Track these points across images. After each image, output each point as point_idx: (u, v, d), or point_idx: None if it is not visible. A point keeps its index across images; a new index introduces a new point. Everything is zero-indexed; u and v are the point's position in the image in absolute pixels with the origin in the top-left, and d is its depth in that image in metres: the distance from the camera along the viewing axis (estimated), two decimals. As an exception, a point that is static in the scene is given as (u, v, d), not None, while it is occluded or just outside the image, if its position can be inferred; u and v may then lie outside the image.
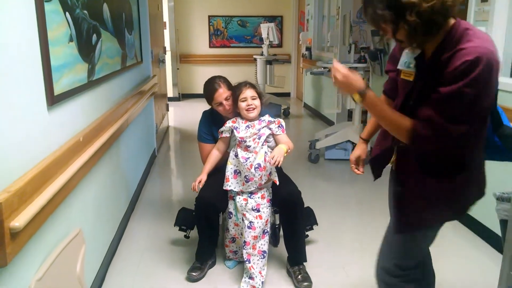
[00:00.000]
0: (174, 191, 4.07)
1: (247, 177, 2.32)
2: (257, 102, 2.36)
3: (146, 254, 2.77)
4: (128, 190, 3.26)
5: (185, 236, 2.70)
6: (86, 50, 2.18)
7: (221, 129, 2.47)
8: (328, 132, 5.04)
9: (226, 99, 2.46)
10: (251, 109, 2.33)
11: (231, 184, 2.37)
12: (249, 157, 2.31)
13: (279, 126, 2.37)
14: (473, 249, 2.84)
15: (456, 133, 1.30)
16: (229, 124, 2.41)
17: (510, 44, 2.78)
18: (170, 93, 8.38)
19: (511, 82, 2.67)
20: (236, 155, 2.35)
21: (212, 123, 2.59)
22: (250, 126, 2.35)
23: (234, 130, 2.36)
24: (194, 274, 2.46)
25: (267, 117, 2.40)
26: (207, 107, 2.66)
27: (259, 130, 2.34)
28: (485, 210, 2.91)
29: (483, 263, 2.66)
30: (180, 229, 2.69)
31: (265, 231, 2.38)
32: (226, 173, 2.38)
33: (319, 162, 4.75)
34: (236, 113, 2.44)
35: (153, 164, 4.64)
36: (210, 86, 2.49)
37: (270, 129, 2.37)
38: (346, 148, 4.73)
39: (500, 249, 2.74)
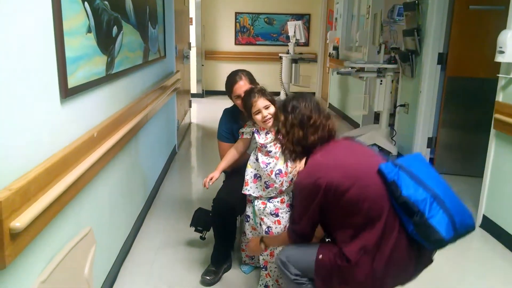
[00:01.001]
0: (193, 189, 3.99)
1: (267, 183, 2.21)
2: (272, 109, 2.18)
3: (160, 254, 2.69)
4: (145, 187, 3.19)
5: (201, 237, 2.61)
6: (106, 42, 2.11)
7: (242, 129, 2.36)
8: (354, 134, 4.88)
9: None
10: (268, 119, 2.18)
11: (250, 188, 2.26)
12: (269, 163, 2.19)
13: None
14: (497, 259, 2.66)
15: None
16: (250, 127, 2.31)
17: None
18: (193, 90, 8.33)
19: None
20: (257, 159, 2.24)
21: (233, 122, 2.49)
22: (269, 131, 2.22)
23: (256, 134, 2.24)
24: (208, 278, 2.37)
25: None
26: (230, 104, 2.56)
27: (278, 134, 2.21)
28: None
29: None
30: (196, 230, 2.61)
31: None
32: (246, 177, 2.27)
33: (343, 165, 4.60)
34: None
35: (173, 160, 4.57)
36: (232, 77, 2.41)
37: None
38: (371, 152, 4.56)
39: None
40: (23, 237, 1.20)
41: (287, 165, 2.16)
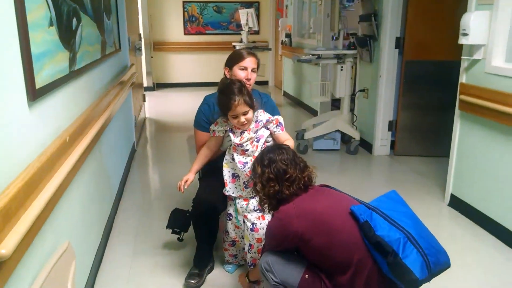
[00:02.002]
0: (160, 188, 3.82)
1: (246, 183, 2.11)
2: (250, 114, 2.06)
3: (135, 260, 2.54)
4: (111, 191, 3.00)
5: (178, 239, 2.48)
6: (67, 36, 1.91)
7: (213, 127, 2.20)
8: (315, 122, 4.88)
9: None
10: (244, 125, 2.07)
11: (229, 189, 2.16)
12: (247, 162, 2.08)
13: (277, 125, 2.15)
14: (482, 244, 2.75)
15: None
16: (222, 126, 2.16)
17: (515, 29, 2.67)
18: (144, 83, 8.03)
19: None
20: (233, 159, 2.13)
21: (214, 112, 2.31)
22: (244, 131, 2.11)
23: (230, 133, 2.10)
24: (193, 282, 2.26)
25: (263, 117, 2.14)
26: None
27: (256, 132, 2.11)
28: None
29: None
30: (173, 232, 2.47)
31: None
32: (224, 177, 2.16)
33: (308, 152, 4.60)
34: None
35: (133, 159, 4.36)
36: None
37: (268, 129, 2.15)
38: (335, 138, 4.59)
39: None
40: (8, 265, 1.04)
41: None
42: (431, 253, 1.53)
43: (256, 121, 2.12)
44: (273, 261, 1.77)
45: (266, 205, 1.80)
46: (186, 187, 2.18)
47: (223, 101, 2.06)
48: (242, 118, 2.03)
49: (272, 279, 1.74)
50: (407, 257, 1.48)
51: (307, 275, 1.70)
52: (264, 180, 1.72)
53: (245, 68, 2.26)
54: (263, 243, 2.15)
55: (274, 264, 1.76)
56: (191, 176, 2.21)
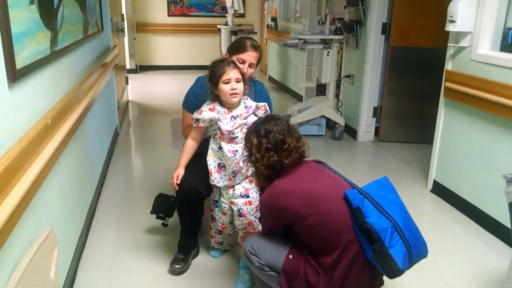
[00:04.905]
0: (142, 172, 3.77)
1: (235, 171, 2.09)
2: (241, 86, 2.04)
3: (119, 245, 2.51)
4: (93, 175, 2.95)
5: (163, 224, 2.46)
6: (48, 15, 1.84)
7: (198, 116, 2.07)
8: (300, 107, 4.87)
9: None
10: (235, 94, 2.03)
11: (214, 179, 2.12)
12: (236, 150, 2.05)
13: (265, 112, 2.12)
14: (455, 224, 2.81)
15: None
16: (207, 114, 2.06)
17: (501, 17, 2.68)
18: (127, 65, 7.87)
19: (502, 56, 2.59)
20: (220, 148, 2.09)
21: (205, 94, 2.25)
22: (235, 116, 2.06)
23: (219, 122, 2.04)
24: (177, 266, 2.25)
25: (252, 103, 2.13)
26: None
27: (246, 119, 2.07)
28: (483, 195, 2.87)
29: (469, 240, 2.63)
30: (158, 217, 2.45)
31: (256, 217, 2.17)
32: (209, 167, 2.12)
33: (292, 138, 4.59)
34: (216, 95, 2.10)
35: (116, 143, 4.29)
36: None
37: (256, 115, 2.12)
38: (320, 124, 4.59)
39: (480, 222, 2.72)
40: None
41: None
42: (414, 244, 1.60)
43: (246, 107, 2.10)
44: (257, 244, 1.79)
45: (262, 177, 1.78)
46: (178, 182, 2.14)
47: (217, 67, 2.04)
48: (235, 85, 2.01)
49: (257, 261, 1.76)
50: (393, 247, 1.54)
51: (291, 256, 1.72)
52: (263, 151, 1.72)
53: (243, 62, 2.21)
54: (253, 225, 2.16)
55: (259, 247, 1.78)
56: (181, 171, 2.16)
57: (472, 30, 2.77)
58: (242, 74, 2.07)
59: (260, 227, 2.16)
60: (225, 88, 2.01)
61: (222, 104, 2.09)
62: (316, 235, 1.67)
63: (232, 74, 2.01)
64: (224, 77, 2.01)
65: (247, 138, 1.82)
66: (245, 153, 2.05)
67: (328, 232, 1.64)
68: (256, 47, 2.26)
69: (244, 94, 2.13)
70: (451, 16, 2.80)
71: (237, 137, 2.06)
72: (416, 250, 1.60)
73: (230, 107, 2.08)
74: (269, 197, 1.73)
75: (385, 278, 1.74)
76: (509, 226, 1.94)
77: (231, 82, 2.01)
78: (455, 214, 2.97)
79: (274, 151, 1.72)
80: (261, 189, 2.21)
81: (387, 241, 1.54)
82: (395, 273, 1.57)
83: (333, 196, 1.68)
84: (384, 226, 1.55)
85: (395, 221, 1.58)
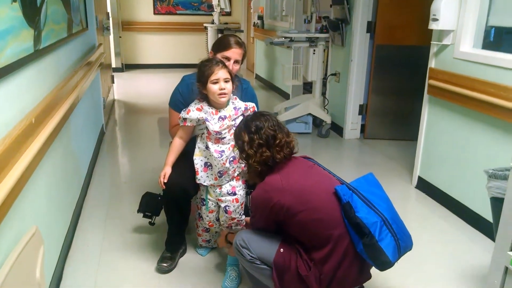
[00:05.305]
0: (128, 171, 3.75)
1: (221, 172, 2.10)
2: (229, 85, 2.04)
3: (106, 244, 2.50)
4: (79, 174, 2.93)
5: (150, 223, 2.45)
6: (31, 12, 1.82)
7: (185, 115, 2.07)
8: (287, 105, 4.89)
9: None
10: (224, 94, 2.03)
11: (200, 177, 2.13)
12: (223, 151, 2.06)
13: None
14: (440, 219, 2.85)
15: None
16: (195, 114, 2.05)
17: (483, 15, 2.73)
18: (112, 64, 7.81)
19: (484, 53, 2.64)
20: (207, 148, 2.09)
21: (192, 93, 2.24)
22: (223, 117, 2.06)
23: (207, 123, 2.04)
24: (165, 265, 2.25)
25: (241, 104, 2.13)
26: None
27: (234, 120, 2.08)
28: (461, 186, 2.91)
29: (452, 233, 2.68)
30: (145, 216, 2.44)
31: (241, 214, 2.18)
32: (196, 166, 2.13)
33: (279, 136, 4.61)
34: (204, 94, 2.10)
35: (102, 142, 4.26)
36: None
37: (244, 116, 2.13)
38: (307, 122, 4.62)
39: (463, 217, 2.77)
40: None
41: None
42: (402, 237, 1.65)
43: (235, 108, 2.10)
44: (248, 237, 1.81)
45: (255, 174, 1.80)
46: (165, 181, 2.13)
47: (205, 67, 2.04)
48: (223, 84, 2.01)
49: (248, 254, 1.77)
50: (383, 240, 1.58)
51: (282, 249, 1.74)
52: (255, 147, 1.74)
53: (227, 58, 2.21)
54: (237, 221, 2.17)
55: (250, 241, 1.79)
56: (168, 170, 2.15)
57: (454, 28, 2.82)
58: (231, 73, 2.08)
59: (244, 223, 2.18)
60: (213, 88, 2.02)
61: (210, 104, 2.09)
62: (306, 231, 1.69)
63: (220, 74, 2.02)
64: (213, 77, 2.01)
65: (238, 136, 1.83)
66: (232, 155, 2.06)
67: (318, 227, 1.67)
68: (240, 44, 2.27)
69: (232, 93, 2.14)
70: (434, 15, 2.85)
71: (225, 137, 2.06)
72: (403, 243, 1.65)
73: (218, 107, 2.08)
74: (262, 193, 1.74)
75: (372, 272, 1.78)
76: (491, 220, 1.98)
77: (220, 82, 2.01)
78: (439, 209, 3.02)
79: (266, 146, 1.74)
80: (248, 187, 2.23)
81: (377, 234, 1.58)
82: (385, 265, 1.61)
83: (322, 191, 1.71)
84: (373, 220, 1.59)
85: (383, 215, 1.62)
